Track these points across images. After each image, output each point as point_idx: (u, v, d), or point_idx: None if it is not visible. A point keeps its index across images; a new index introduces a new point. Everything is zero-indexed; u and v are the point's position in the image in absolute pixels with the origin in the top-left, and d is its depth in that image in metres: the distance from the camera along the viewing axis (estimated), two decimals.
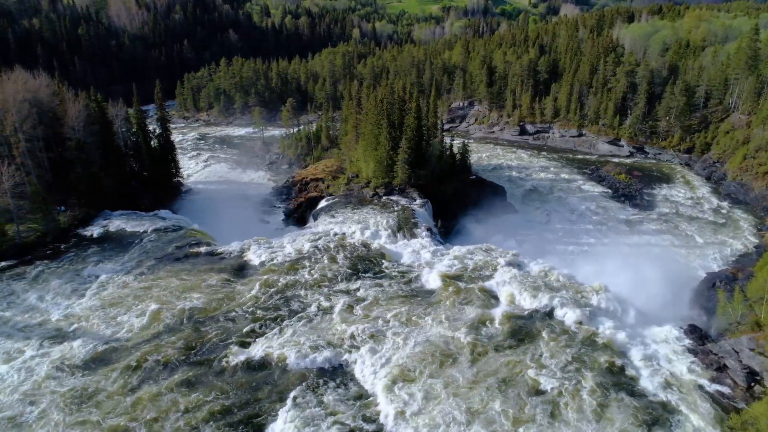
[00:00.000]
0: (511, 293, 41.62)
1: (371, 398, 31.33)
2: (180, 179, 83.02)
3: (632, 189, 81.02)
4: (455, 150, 75.16)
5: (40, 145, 58.33)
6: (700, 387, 32.15)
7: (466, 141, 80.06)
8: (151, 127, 78.08)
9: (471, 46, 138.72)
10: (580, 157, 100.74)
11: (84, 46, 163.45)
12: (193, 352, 34.85)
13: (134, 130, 73.01)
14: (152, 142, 75.38)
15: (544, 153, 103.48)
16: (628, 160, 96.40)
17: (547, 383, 31.86)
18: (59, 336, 36.40)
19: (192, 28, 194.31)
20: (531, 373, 32.75)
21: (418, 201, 60.76)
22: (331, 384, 32.42)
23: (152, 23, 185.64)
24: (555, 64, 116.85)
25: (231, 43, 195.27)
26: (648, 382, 32.43)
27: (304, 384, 32.04)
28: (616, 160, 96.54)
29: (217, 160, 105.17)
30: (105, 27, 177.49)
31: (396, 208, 58.47)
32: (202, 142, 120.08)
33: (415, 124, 66.31)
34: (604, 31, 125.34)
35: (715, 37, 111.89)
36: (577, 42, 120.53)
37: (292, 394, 31.02)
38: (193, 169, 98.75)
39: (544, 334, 36.92)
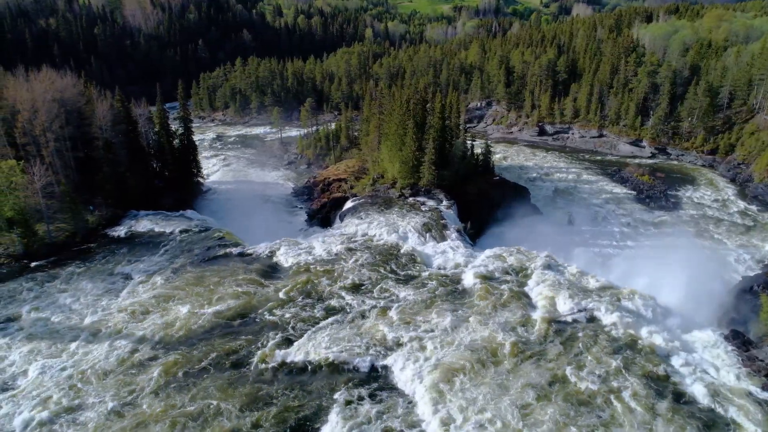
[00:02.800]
0: (548, 296, 41.05)
1: (415, 403, 30.87)
2: (200, 179, 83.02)
3: (656, 190, 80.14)
4: (478, 150, 74.68)
5: (67, 145, 58.36)
6: (750, 394, 31.40)
7: (488, 142, 79.38)
8: (172, 127, 78.01)
9: (487, 46, 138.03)
10: (600, 158, 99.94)
11: (100, 46, 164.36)
12: (231, 354, 34.58)
13: (157, 129, 72.96)
14: (174, 142, 75.36)
15: (564, 154, 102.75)
16: (649, 161, 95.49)
17: (592, 388, 31.28)
18: (96, 337, 36.22)
19: (206, 28, 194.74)
20: (575, 377, 32.18)
21: (445, 202, 60.30)
22: (374, 388, 31.96)
23: (167, 23, 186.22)
24: (574, 64, 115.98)
25: (245, 42, 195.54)
26: (695, 389, 31.71)
27: (346, 388, 31.61)
28: (637, 161, 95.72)
29: (235, 160, 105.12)
30: (120, 27, 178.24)
31: (423, 209, 58.03)
32: (219, 141, 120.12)
33: (439, 124, 65.90)
34: (624, 31, 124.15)
35: (736, 37, 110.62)
36: (596, 42, 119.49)
37: (336, 399, 30.61)
38: (211, 168, 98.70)
39: (584, 338, 36.32)
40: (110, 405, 30.00)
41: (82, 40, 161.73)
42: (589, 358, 34.16)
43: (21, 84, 55.77)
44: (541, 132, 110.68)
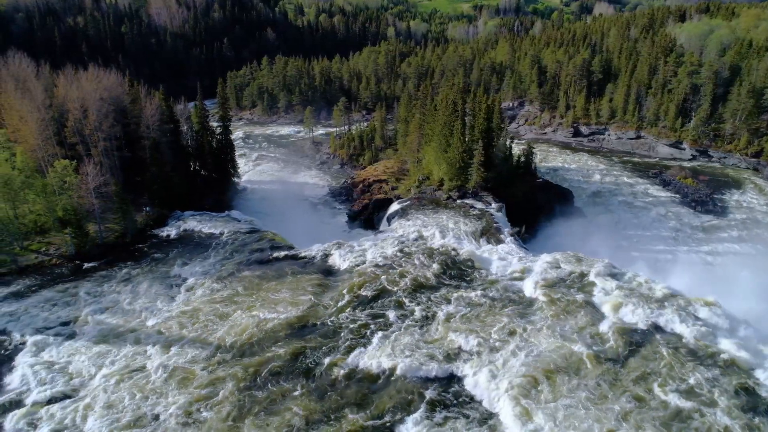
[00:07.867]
0: (616, 305, 39.73)
1: (495, 416, 29.83)
2: (236, 179, 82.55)
3: (702, 194, 78.09)
4: (516, 151, 73.38)
5: (113, 145, 58.07)
6: None
7: (530, 143, 77.90)
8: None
9: (516, 45, 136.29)
10: (638, 160, 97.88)
11: (127, 44, 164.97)
12: (299, 360, 33.80)
13: (197, 128, 72.46)
14: (213, 141, 74.86)
15: (601, 155, 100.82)
16: (690, 164, 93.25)
17: (680, 403, 30.01)
18: (159, 342, 35.63)
19: (231, 27, 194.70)
20: (660, 391, 30.93)
21: (494, 205, 59.04)
22: (450, 399, 31.00)
23: (192, 21, 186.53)
24: (608, 64, 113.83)
25: (269, 41, 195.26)
26: None
27: (422, 398, 30.65)
28: (677, 163, 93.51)
29: (267, 160, 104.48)
30: (146, 25, 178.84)
31: (473, 212, 56.88)
32: (248, 140, 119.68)
33: (484, 125, 64.67)
34: (659, 31, 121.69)
35: None
36: (632, 42, 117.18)
37: (413, 411, 29.63)
38: (243, 168, 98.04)
39: (661, 349, 34.92)
40: (180, 413, 29.38)
41: (109, 38, 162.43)
42: (671, 371, 32.79)
43: (70, 83, 55.45)
44: (576, 133, 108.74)
